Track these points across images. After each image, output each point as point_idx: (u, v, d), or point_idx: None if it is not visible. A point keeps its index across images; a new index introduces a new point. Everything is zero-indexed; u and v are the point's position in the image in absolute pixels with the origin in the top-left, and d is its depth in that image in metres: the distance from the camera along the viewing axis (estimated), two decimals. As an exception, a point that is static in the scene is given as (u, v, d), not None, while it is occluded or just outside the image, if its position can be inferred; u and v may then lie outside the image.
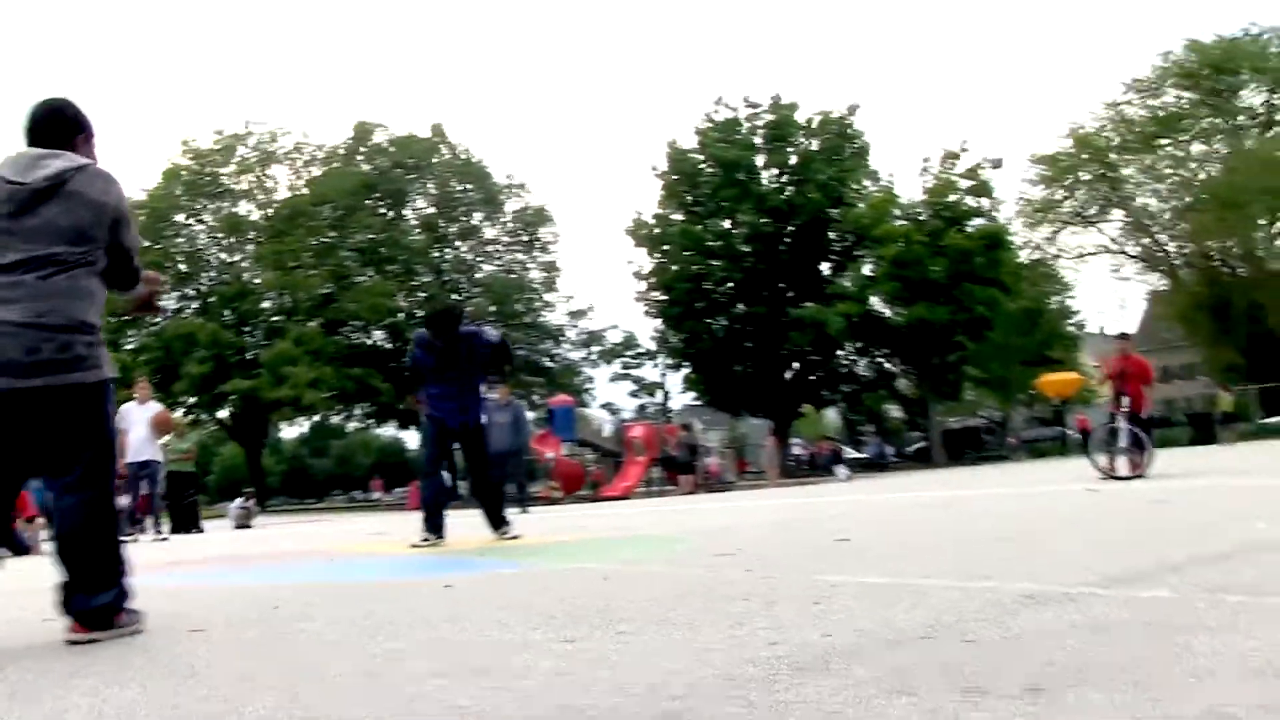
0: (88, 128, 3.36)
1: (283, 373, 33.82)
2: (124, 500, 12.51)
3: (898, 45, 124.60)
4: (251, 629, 3.30)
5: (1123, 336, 12.36)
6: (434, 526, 7.18)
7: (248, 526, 16.77)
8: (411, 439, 53.21)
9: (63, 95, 3.38)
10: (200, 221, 39.62)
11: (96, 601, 3.15)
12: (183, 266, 38.99)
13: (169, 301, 38.59)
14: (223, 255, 39.98)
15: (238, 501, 18.19)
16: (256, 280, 36.78)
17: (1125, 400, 11.10)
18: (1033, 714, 1.67)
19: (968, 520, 6.70)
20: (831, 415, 60.15)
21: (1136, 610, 2.60)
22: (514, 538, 7.17)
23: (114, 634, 3.15)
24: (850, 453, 40.92)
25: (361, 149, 39.94)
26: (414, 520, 7.85)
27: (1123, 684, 1.84)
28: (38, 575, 4.65)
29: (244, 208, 39.19)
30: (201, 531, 14.96)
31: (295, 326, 35.95)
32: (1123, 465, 11.00)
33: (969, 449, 40.61)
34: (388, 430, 50.79)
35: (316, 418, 42.30)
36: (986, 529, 5.73)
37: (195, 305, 39.06)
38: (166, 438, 13.06)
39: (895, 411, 52.89)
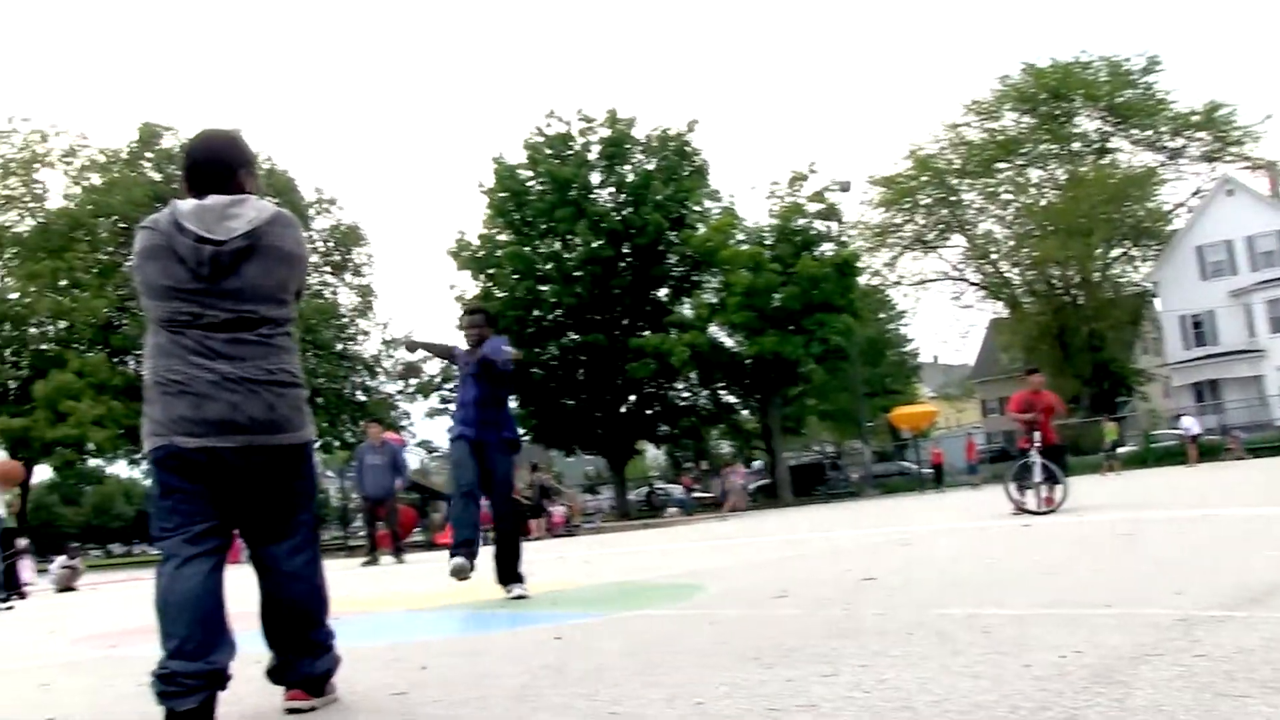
0: (252, 159, 3.40)
1: (63, 409, 32.15)
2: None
3: (736, 62, 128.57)
4: (462, 690, 3.55)
5: (1032, 372, 13.61)
6: (469, 553, 6.87)
7: (72, 589, 16.06)
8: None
9: (225, 128, 3.43)
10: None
11: (321, 667, 3.39)
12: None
13: None
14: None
15: (60, 560, 17.28)
16: (27, 301, 34.63)
17: (1037, 435, 12.31)
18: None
19: (969, 557, 7.53)
20: (653, 453, 60.70)
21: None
22: (520, 597, 6.78)
23: (325, 700, 3.39)
24: (679, 492, 40.87)
25: (149, 154, 38.49)
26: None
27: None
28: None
29: (6, 217, 37.01)
30: (24, 596, 14.39)
31: (76, 356, 34.21)
32: (1033, 500, 12.16)
33: (816, 485, 41.74)
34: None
35: (65, 461, 38.96)
36: (1012, 564, 6.54)
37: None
38: (8, 494, 12.59)
39: (725, 447, 53.73)
